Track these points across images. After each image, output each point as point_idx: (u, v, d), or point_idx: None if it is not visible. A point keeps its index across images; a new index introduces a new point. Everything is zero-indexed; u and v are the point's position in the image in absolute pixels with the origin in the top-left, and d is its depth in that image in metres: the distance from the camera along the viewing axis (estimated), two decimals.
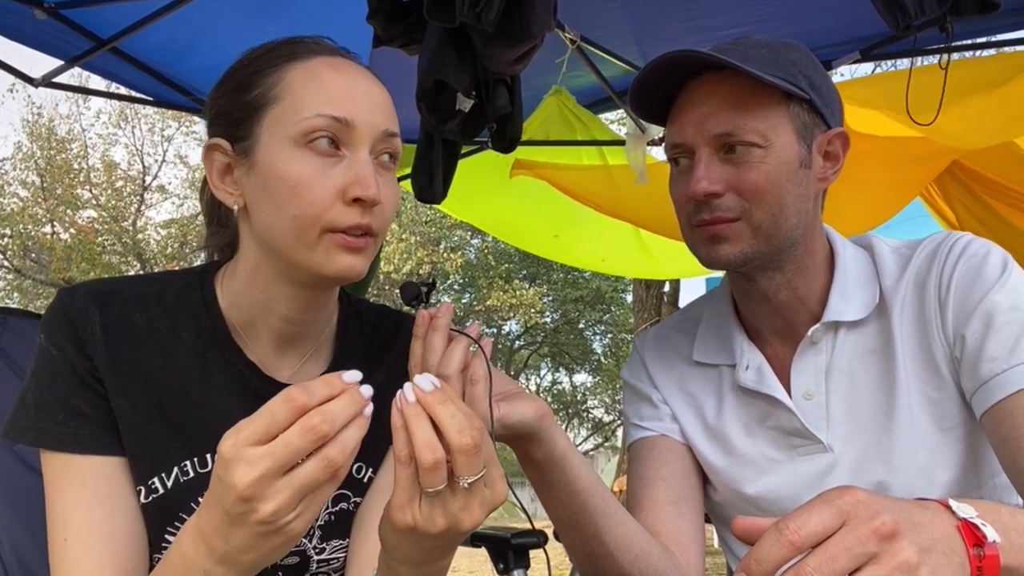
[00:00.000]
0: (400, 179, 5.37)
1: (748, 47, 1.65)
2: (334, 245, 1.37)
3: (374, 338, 1.64)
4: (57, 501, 1.39)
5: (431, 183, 3.55)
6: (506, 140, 3.32)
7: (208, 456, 1.46)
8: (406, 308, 1.61)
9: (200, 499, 1.39)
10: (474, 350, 1.43)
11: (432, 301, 1.53)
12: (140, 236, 24.80)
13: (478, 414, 1.35)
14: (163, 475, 1.44)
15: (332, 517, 1.56)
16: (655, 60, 1.63)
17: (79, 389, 1.42)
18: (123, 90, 4.91)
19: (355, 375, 1.10)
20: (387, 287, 22.82)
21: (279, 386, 1.48)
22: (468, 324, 1.45)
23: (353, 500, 1.58)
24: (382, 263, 20.21)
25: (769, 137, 1.60)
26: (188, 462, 1.45)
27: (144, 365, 1.45)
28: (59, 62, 4.37)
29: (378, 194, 1.36)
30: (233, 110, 1.43)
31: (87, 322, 1.43)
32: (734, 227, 1.63)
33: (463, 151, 3.80)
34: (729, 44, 1.67)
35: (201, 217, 1.67)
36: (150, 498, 1.43)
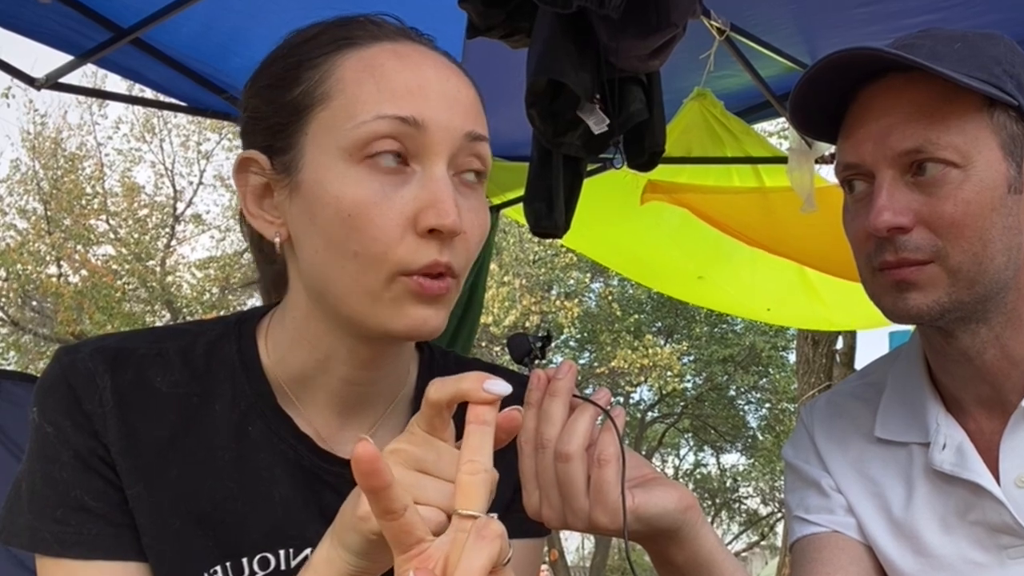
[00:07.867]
0: (502, 205, 5.47)
1: (937, 41, 1.65)
2: (407, 294, 1.32)
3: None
4: None
5: (550, 211, 3.51)
6: (645, 155, 3.32)
7: (244, 561, 1.44)
8: (515, 366, 1.56)
9: None
10: (602, 422, 1.38)
11: (547, 359, 1.47)
12: (170, 279, 24.69)
13: (607, 504, 1.35)
14: None
15: None
16: (819, 62, 1.64)
17: (81, 476, 1.38)
18: (148, 93, 5.01)
19: (503, 387, 1.12)
20: (484, 342, 22.31)
21: (340, 463, 1.45)
22: (591, 390, 1.40)
23: None
24: None
25: (968, 154, 1.59)
26: (219, 567, 1.42)
27: (166, 443, 1.42)
28: (68, 57, 4.40)
29: (459, 222, 1.30)
30: (270, 113, 1.40)
31: (94, 390, 1.40)
32: (926, 271, 1.62)
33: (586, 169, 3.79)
34: (913, 38, 1.68)
35: (249, 254, 1.68)
36: None
